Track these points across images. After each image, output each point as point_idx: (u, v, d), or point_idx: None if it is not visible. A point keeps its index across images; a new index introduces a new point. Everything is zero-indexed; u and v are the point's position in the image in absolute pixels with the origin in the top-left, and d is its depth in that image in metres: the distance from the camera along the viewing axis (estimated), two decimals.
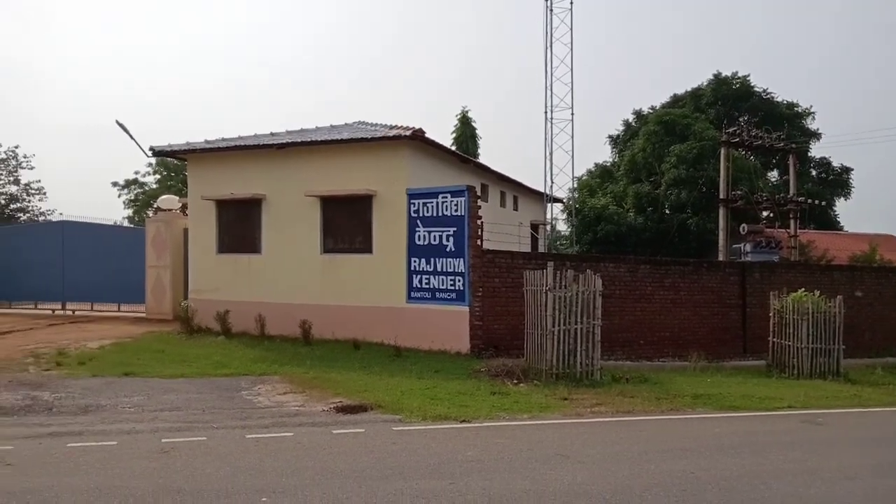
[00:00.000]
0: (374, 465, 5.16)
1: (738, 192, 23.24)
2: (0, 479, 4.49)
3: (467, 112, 33.01)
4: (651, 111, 35.06)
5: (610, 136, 38.54)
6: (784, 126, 26.56)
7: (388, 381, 9.30)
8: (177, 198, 18.20)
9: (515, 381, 9.58)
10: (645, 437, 6.68)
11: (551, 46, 21.70)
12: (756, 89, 33.87)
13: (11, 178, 34.56)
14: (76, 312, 18.75)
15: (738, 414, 8.12)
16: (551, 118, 21.79)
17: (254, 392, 8.53)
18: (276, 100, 74.88)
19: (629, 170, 31.57)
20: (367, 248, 13.35)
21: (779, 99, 34.30)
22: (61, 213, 33.87)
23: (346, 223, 13.64)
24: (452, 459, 5.42)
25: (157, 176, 39.05)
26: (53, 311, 19.02)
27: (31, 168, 35.14)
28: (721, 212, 22.47)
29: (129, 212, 38.84)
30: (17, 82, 60.00)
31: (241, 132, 15.39)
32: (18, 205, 34.73)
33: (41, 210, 35.36)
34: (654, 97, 73.22)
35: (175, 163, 37.47)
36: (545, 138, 22.00)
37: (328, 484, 4.65)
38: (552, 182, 22.23)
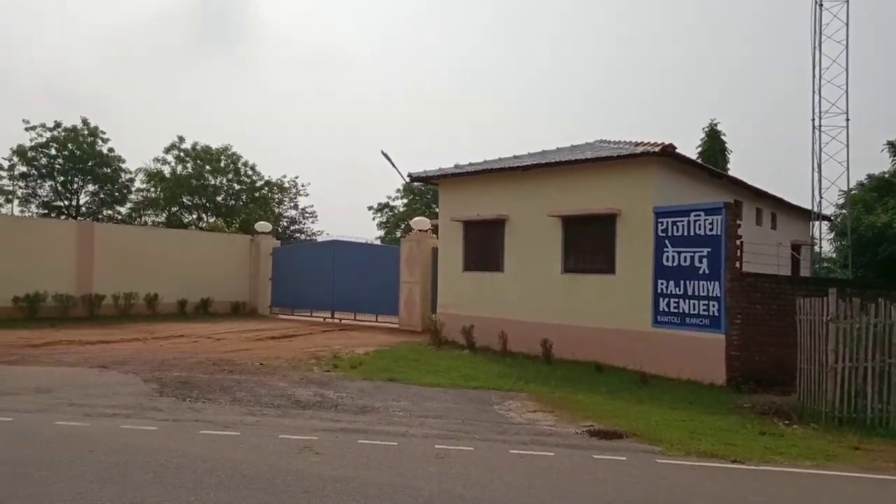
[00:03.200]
0: (646, 499, 4.94)
1: None
2: (313, 466, 5.20)
3: (716, 125, 30.67)
4: None
5: (890, 143, 32.78)
6: None
7: (638, 409, 8.90)
8: (427, 219, 19.73)
9: (787, 422, 8.50)
10: None
11: (820, 46, 19.21)
12: None
13: (292, 204, 40.82)
14: (342, 321, 21.29)
15: None
16: (819, 126, 19.22)
17: (504, 407, 8.78)
18: (512, 126, 77.81)
19: None
20: (609, 268, 13.05)
21: None
22: (328, 234, 38.97)
23: (587, 243, 13.51)
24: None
25: (405, 200, 42.93)
26: (325, 318, 21.84)
27: (307, 195, 41.19)
28: None
29: (381, 233, 43.16)
30: (293, 124, 71.23)
31: (478, 158, 16.22)
32: (297, 226, 40.80)
33: (313, 231, 41.12)
34: None
35: (420, 188, 40.93)
36: (812, 148, 19.47)
37: None
38: (821, 197, 19.55)
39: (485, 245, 15.22)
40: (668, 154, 12.40)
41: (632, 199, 12.75)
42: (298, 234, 40.35)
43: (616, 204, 12.88)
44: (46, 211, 35.44)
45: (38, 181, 35.14)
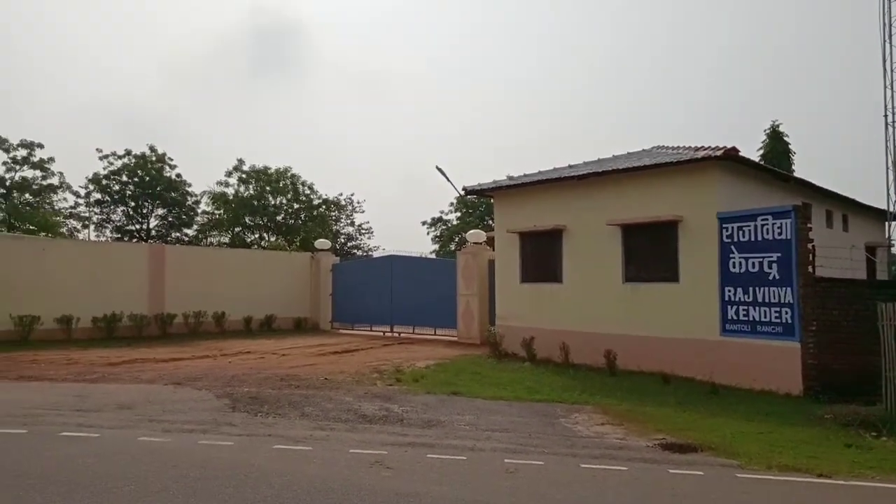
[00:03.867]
0: None
1: None
2: (385, 481, 5.25)
3: (778, 126, 29.60)
4: None
5: None
6: None
7: (711, 421, 8.61)
8: (483, 232, 19.76)
9: (874, 434, 8.05)
10: None
11: (890, 39, 18.33)
12: None
13: (349, 221, 41.59)
14: (401, 335, 21.48)
15: None
16: (893, 122, 18.30)
17: (571, 420, 8.66)
18: (558, 138, 77.32)
19: None
20: (672, 276, 12.73)
21: None
22: (384, 249, 39.53)
23: (649, 251, 13.24)
24: None
25: (458, 214, 43.13)
26: (384, 332, 22.09)
27: (363, 212, 41.92)
28: None
29: (436, 246, 43.45)
30: (348, 144, 72.91)
31: (531, 170, 16.14)
32: (353, 243, 41.53)
33: (369, 247, 41.76)
34: None
35: (474, 201, 41.04)
36: (886, 146, 18.55)
37: None
38: None
39: (542, 256, 15.10)
40: (730, 158, 12.05)
41: (694, 205, 12.44)
42: (355, 251, 41.05)
43: (677, 210, 12.59)
44: (119, 235, 37.31)
45: (112, 207, 37.08)
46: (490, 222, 40.12)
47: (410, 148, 74.23)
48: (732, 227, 11.76)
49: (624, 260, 13.50)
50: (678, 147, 14.42)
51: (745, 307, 11.52)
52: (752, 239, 11.43)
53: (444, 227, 44.10)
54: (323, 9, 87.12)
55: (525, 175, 15.87)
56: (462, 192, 17.18)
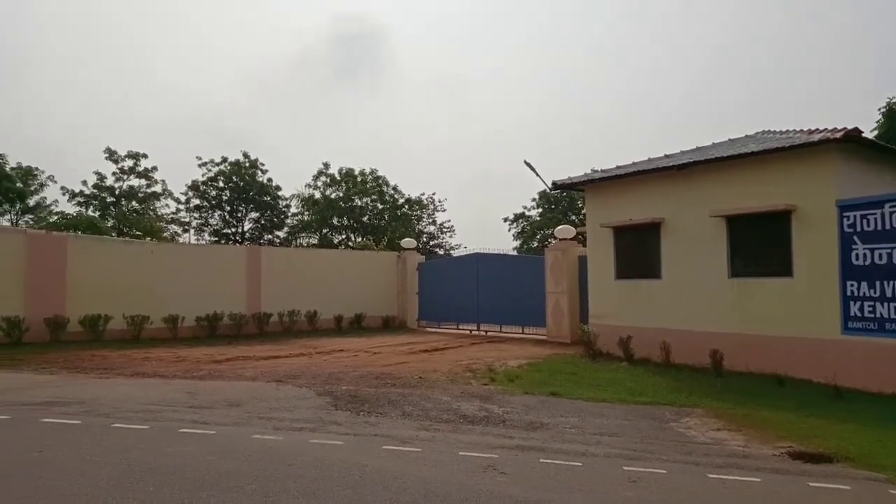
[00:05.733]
0: None
1: None
2: (502, 486, 5.08)
3: (895, 104, 27.22)
4: None
5: None
6: None
7: (840, 428, 7.89)
8: (572, 227, 19.26)
9: None
10: None
11: None
12: None
13: (430, 220, 41.90)
14: (488, 333, 21.31)
15: None
16: None
17: (682, 425, 8.17)
18: (647, 131, 74.81)
19: None
20: (784, 270, 11.87)
21: None
22: (465, 247, 39.51)
23: (757, 243, 12.41)
24: None
25: (540, 209, 42.51)
26: (471, 331, 21.99)
27: (444, 210, 42.11)
28: None
29: (517, 243, 43.03)
30: (428, 143, 73.60)
31: (611, 164, 15.51)
32: (436, 241, 41.79)
33: (451, 245, 41.90)
34: None
35: (556, 196, 40.33)
36: None
37: None
38: None
39: (638, 251, 14.49)
40: (851, 140, 11.08)
41: (808, 193, 11.54)
42: (437, 249, 41.28)
43: (790, 199, 11.71)
44: (217, 238, 39.26)
45: (210, 211, 39.08)
46: (574, 218, 39.28)
47: (489, 146, 74.04)
48: (854, 216, 10.80)
49: (729, 253, 12.72)
50: (787, 131, 13.46)
51: (871, 303, 10.55)
52: (879, 228, 10.44)
53: (525, 223, 43.59)
54: (402, 14, 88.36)
55: (618, 167, 15.28)
56: (550, 187, 16.76)
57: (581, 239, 19.91)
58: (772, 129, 14.35)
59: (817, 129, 11.98)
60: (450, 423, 7.96)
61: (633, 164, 15.12)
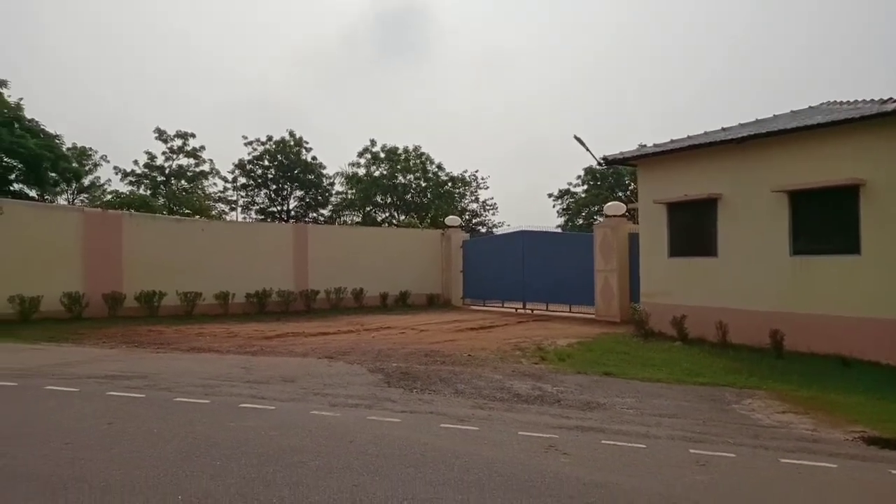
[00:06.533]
0: None
1: None
2: (566, 468, 4.97)
3: None
4: None
5: None
6: None
7: None
8: (622, 204, 18.82)
9: None
10: None
11: None
12: None
13: (473, 198, 41.65)
14: (534, 311, 21.14)
15: None
16: None
17: (745, 407, 7.91)
18: (699, 106, 72.37)
19: None
20: (851, 247, 11.33)
21: None
22: (508, 225, 39.20)
23: (822, 219, 11.87)
24: None
25: (585, 186, 41.76)
26: (516, 309, 21.84)
27: (487, 188, 41.80)
28: None
29: (561, 220, 42.45)
30: (471, 120, 73.00)
31: (658, 139, 14.97)
32: (479, 219, 41.57)
33: (494, 223, 41.61)
34: None
35: (603, 172, 39.52)
36: None
37: None
38: None
39: (694, 227, 14.05)
40: None
41: (879, 167, 10.95)
42: (480, 227, 41.07)
43: (858, 173, 11.13)
44: (263, 216, 39.90)
45: (256, 190, 39.69)
46: (621, 194, 38.48)
47: (533, 122, 72.97)
48: None
49: (792, 230, 12.21)
50: (854, 101, 12.78)
51: None
52: None
53: (570, 200, 42.94)
54: None
55: (672, 141, 14.77)
56: (601, 162, 16.34)
57: (630, 215, 19.46)
58: (838, 100, 13.62)
59: (890, 99, 11.31)
60: (504, 401, 7.88)
61: (689, 137, 14.58)
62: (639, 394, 8.54)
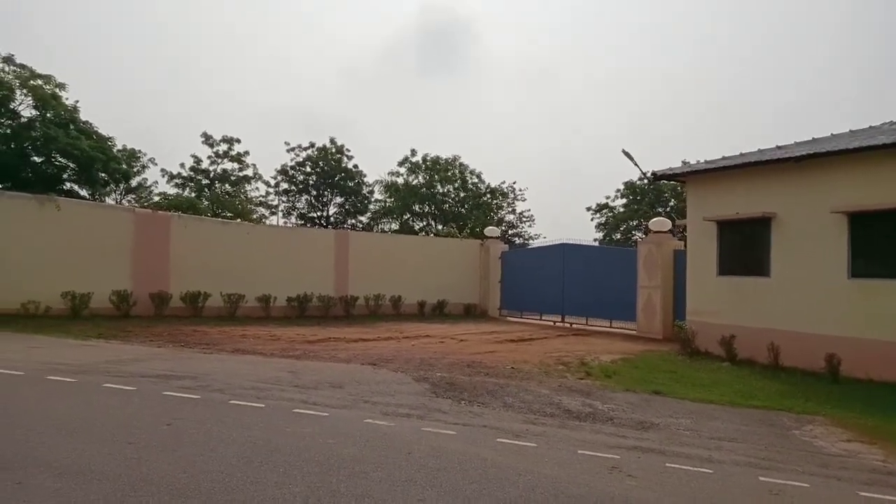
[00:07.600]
0: None
1: None
2: (636, 492, 4.84)
3: None
4: None
5: None
6: None
7: None
8: (668, 220, 18.51)
9: None
10: None
11: None
12: None
13: (510, 209, 41.49)
14: (573, 325, 20.88)
15: None
16: None
17: (807, 433, 7.64)
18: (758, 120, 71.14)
19: None
20: None
21: None
22: (545, 237, 38.91)
23: (883, 242, 11.46)
24: None
25: (624, 200, 41.26)
26: (554, 322, 21.61)
27: (524, 200, 41.59)
28: None
29: (600, 234, 41.98)
30: (510, 133, 73.05)
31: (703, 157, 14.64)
32: (515, 230, 41.37)
33: (530, 235, 41.36)
34: None
35: (642, 188, 39.02)
36: None
37: None
38: None
39: (745, 246, 13.71)
40: None
41: None
42: (516, 238, 40.87)
43: None
44: (303, 222, 40.41)
45: (297, 195, 40.24)
46: (661, 210, 37.86)
47: (570, 137, 72.63)
48: None
49: (850, 252, 11.82)
50: None
51: None
52: None
53: (609, 214, 42.45)
54: (490, 2, 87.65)
55: (724, 158, 14.46)
56: (650, 177, 16.10)
57: (676, 232, 19.12)
58: None
59: None
60: (555, 417, 7.76)
61: (741, 154, 14.28)
62: (692, 415, 8.33)
